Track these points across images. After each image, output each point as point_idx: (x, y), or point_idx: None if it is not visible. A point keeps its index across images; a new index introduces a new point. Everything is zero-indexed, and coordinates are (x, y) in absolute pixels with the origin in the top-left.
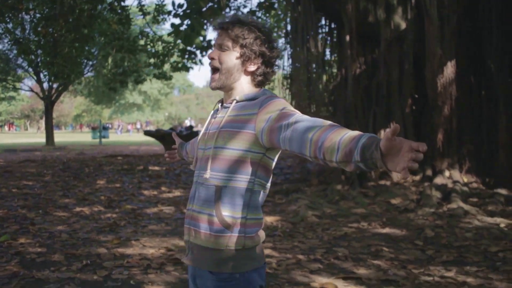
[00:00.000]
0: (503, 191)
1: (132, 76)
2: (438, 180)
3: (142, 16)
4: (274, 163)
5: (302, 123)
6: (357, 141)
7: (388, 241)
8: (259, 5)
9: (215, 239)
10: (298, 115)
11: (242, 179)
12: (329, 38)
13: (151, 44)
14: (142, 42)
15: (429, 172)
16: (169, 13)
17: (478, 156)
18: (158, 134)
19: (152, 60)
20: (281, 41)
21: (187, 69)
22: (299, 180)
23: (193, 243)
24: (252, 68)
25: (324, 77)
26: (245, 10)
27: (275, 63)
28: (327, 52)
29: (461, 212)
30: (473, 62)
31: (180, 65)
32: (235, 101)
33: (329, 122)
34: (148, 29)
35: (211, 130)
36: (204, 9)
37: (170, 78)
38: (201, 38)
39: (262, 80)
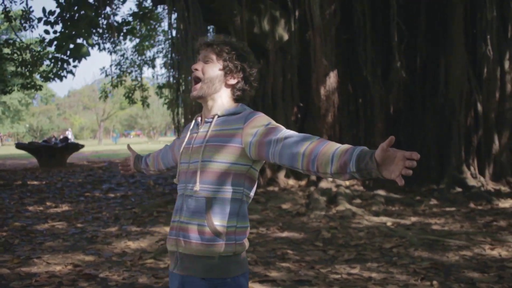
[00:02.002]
0: (382, 192)
1: None
2: (323, 184)
3: (6, 22)
4: (257, 174)
5: (291, 138)
6: (350, 153)
7: (290, 244)
8: (134, 14)
9: (207, 248)
10: (285, 130)
11: (231, 190)
12: None
13: (18, 53)
14: (8, 50)
15: (313, 177)
16: (39, 20)
17: None
18: (31, 147)
19: (19, 70)
20: (154, 50)
21: (60, 77)
22: None
23: (182, 253)
24: (232, 81)
25: None
26: (117, 18)
27: (253, 82)
28: None
29: (349, 214)
30: (350, 71)
31: (51, 74)
32: (216, 116)
33: (317, 137)
34: (14, 37)
35: (194, 144)
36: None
37: (40, 88)
38: (89, 48)
39: (240, 96)
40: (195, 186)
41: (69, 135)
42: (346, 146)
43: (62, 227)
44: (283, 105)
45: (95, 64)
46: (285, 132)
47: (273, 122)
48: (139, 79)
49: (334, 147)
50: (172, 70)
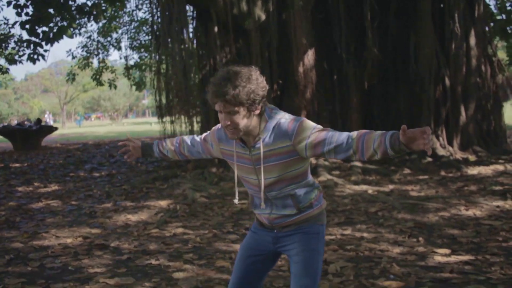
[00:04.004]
0: (358, 164)
1: None
2: None
3: None
4: None
5: (339, 147)
6: (384, 143)
7: None
8: None
9: (303, 217)
10: (329, 136)
11: (304, 181)
12: (198, 29)
13: None
14: None
15: None
16: (8, 3)
17: None
18: (5, 131)
19: None
20: (119, 32)
21: (33, 60)
22: (172, 167)
23: (282, 227)
24: (257, 111)
25: (195, 68)
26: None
27: (266, 91)
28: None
29: (331, 183)
30: (325, 49)
31: (24, 56)
32: (261, 140)
33: (354, 133)
34: None
35: (256, 165)
36: None
37: (7, 71)
38: (71, 29)
39: (264, 108)
40: (276, 194)
41: (48, 118)
42: (379, 136)
43: (58, 205)
44: None
45: (54, 47)
46: (329, 138)
47: (312, 128)
48: (105, 61)
49: (372, 138)
50: (156, 53)
